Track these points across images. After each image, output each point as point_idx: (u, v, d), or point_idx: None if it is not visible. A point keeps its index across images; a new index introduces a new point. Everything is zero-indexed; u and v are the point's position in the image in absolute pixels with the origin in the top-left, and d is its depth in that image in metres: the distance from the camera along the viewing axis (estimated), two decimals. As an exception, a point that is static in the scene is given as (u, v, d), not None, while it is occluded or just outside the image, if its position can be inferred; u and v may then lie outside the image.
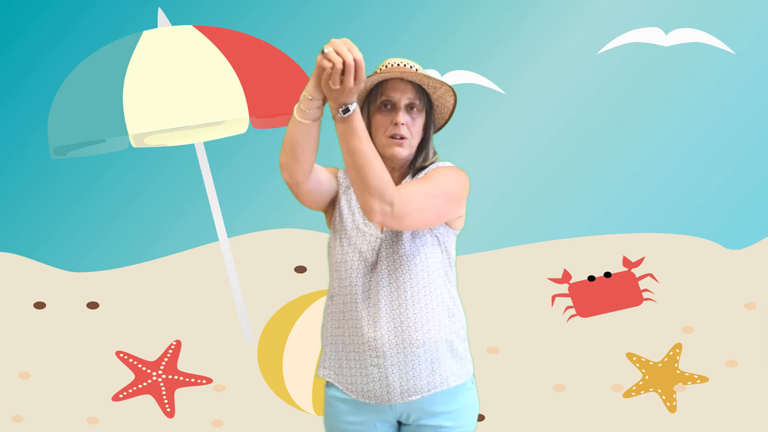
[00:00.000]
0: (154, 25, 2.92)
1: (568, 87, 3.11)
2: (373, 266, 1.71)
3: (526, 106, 3.12)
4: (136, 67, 2.63)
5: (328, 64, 1.41)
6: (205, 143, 3.00)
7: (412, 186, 1.63)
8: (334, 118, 1.51)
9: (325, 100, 1.53)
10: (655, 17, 3.07)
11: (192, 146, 3.01)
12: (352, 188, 1.80)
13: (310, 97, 1.51)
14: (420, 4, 3.12)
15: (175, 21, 2.93)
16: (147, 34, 2.75)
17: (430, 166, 1.78)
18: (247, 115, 2.61)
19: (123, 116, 2.55)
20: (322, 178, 1.72)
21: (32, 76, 3.14)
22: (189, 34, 2.76)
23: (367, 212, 1.56)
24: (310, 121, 1.54)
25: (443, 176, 1.70)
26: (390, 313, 1.71)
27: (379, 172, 1.53)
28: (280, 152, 1.63)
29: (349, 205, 1.78)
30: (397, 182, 1.80)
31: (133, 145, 2.69)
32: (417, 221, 1.65)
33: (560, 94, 3.12)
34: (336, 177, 1.82)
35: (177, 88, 2.59)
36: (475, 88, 3.10)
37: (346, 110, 1.47)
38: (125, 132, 2.55)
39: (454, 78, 3.07)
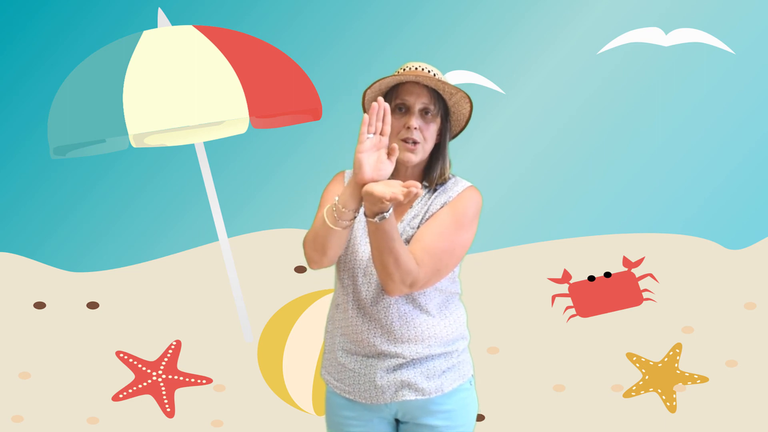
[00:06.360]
0: (154, 25, 2.91)
1: (568, 87, 3.11)
2: None
3: (526, 106, 3.12)
4: (136, 67, 2.63)
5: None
6: (205, 143, 3.00)
7: (431, 247, 1.64)
8: (367, 219, 1.54)
9: (359, 208, 1.56)
10: (655, 17, 3.07)
11: (192, 146, 3.01)
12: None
13: (344, 209, 1.55)
14: (420, 4, 3.12)
15: (175, 21, 2.93)
16: (147, 34, 2.75)
17: (454, 190, 1.75)
18: (247, 115, 2.60)
19: (123, 116, 2.55)
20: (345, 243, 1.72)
21: (32, 76, 3.14)
22: (189, 34, 2.76)
23: (387, 291, 1.64)
24: (343, 228, 1.58)
25: (466, 227, 1.70)
26: (401, 324, 1.71)
27: (404, 264, 1.57)
28: (304, 242, 1.66)
29: (359, 218, 1.76)
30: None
31: (133, 145, 2.69)
32: (434, 283, 1.71)
33: (560, 94, 3.12)
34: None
35: (177, 88, 2.59)
36: (475, 88, 3.09)
37: (383, 217, 1.51)
38: (125, 132, 2.55)
39: (454, 78, 3.06)
